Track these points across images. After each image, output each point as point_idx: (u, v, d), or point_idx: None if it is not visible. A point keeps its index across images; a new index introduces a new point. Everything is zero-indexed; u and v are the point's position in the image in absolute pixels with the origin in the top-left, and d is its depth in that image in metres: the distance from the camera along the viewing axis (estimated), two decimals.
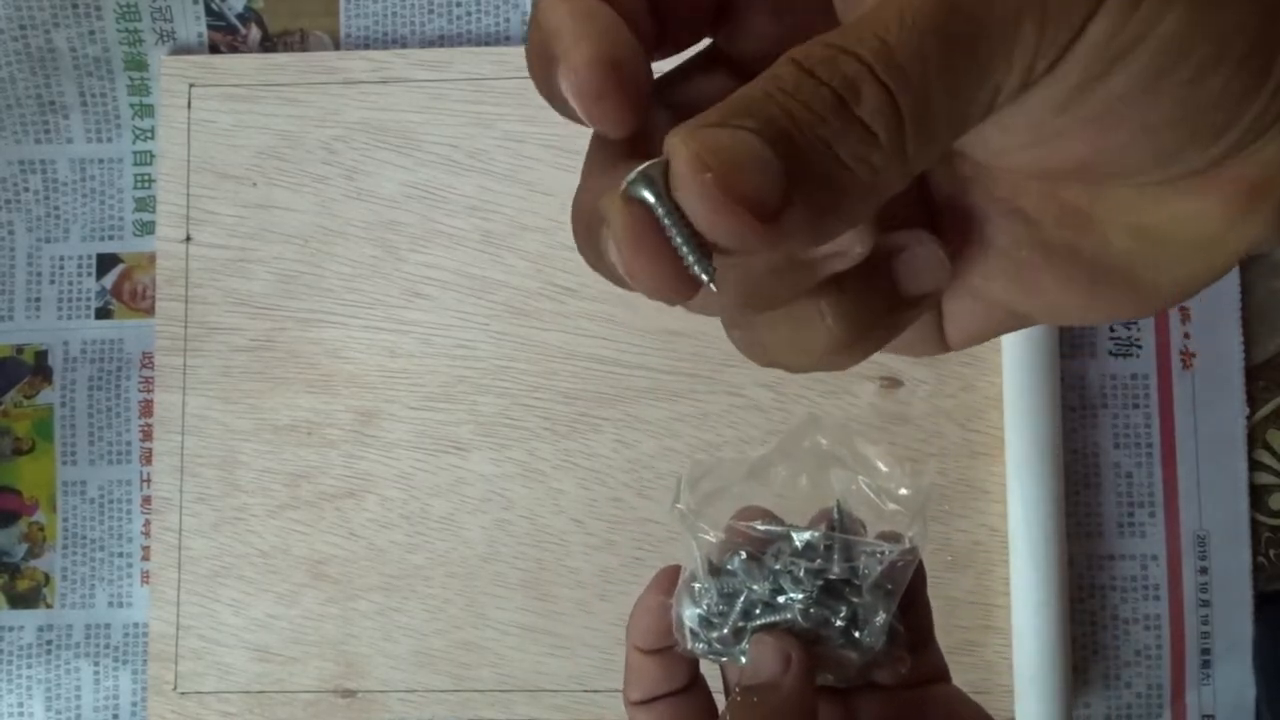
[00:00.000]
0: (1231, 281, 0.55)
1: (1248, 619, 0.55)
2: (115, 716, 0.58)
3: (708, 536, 0.31)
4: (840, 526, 0.31)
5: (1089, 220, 0.21)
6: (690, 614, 0.31)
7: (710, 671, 0.33)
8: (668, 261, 0.17)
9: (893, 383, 0.55)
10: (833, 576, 0.30)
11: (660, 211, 0.17)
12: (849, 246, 0.20)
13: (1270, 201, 0.19)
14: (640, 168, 0.17)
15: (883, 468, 0.32)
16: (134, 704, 0.58)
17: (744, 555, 0.31)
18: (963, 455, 0.55)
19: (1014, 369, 0.53)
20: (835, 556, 0.31)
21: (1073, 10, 0.17)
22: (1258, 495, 0.55)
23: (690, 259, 0.17)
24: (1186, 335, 0.55)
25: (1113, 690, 0.55)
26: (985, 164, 0.21)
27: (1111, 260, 0.21)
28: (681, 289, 0.18)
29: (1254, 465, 0.55)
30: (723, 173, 0.16)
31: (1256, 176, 0.19)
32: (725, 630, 0.31)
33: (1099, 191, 0.20)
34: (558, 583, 0.55)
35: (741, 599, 0.31)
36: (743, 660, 0.30)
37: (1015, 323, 0.23)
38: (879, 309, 0.21)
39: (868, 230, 0.20)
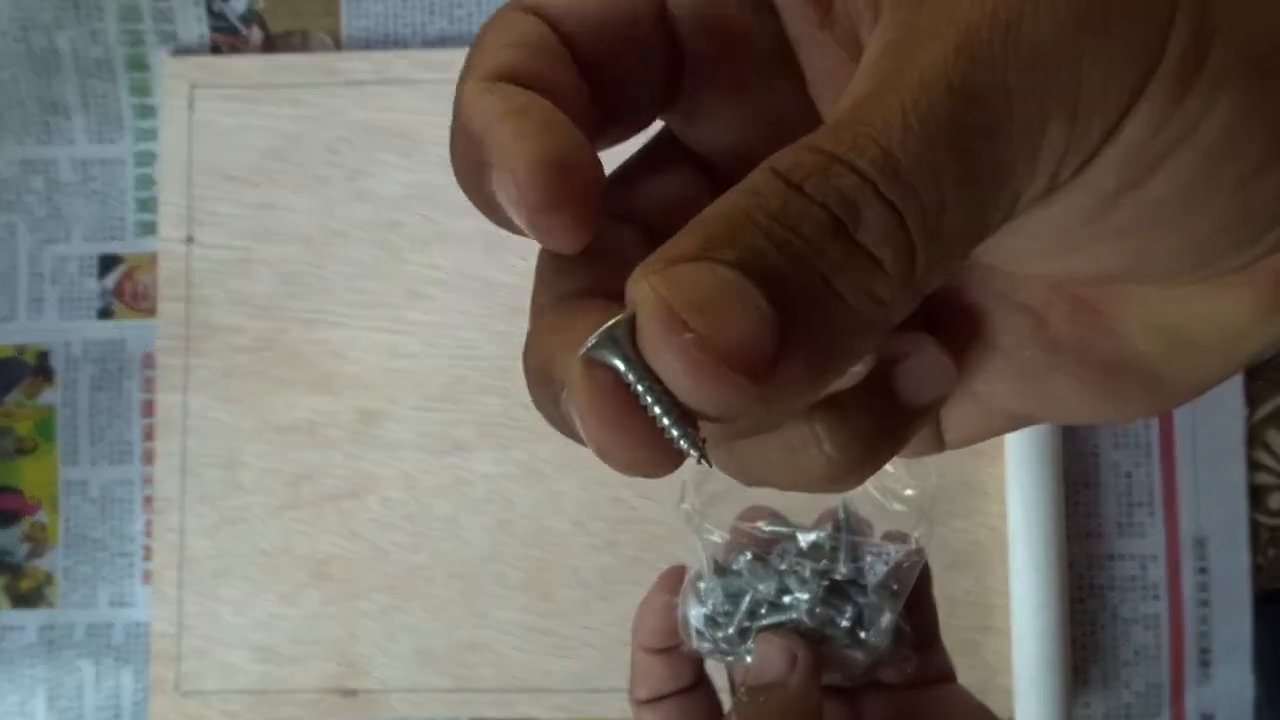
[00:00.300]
0: None
1: (1247, 619, 0.55)
2: (117, 716, 0.58)
3: (713, 537, 0.31)
4: (846, 527, 0.31)
5: (1103, 317, 0.18)
6: (696, 613, 0.31)
7: (716, 670, 0.34)
8: (644, 434, 0.14)
9: None
10: (838, 577, 0.31)
11: (631, 378, 0.14)
12: None
13: None
14: (604, 326, 0.14)
15: (888, 468, 0.32)
16: (135, 703, 0.58)
17: (749, 555, 0.31)
18: (963, 455, 0.55)
19: None
20: (841, 557, 0.31)
21: (1108, 105, 0.14)
22: (1257, 495, 0.55)
23: (672, 431, 0.14)
24: None
25: (1112, 690, 0.55)
26: (998, 269, 0.18)
27: (1127, 360, 0.18)
28: (662, 464, 0.15)
29: (1253, 465, 0.55)
30: (705, 330, 0.13)
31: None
32: (731, 630, 0.31)
33: (1117, 289, 0.18)
34: (559, 583, 0.56)
35: (747, 599, 0.31)
36: (748, 660, 0.31)
37: (1017, 423, 0.20)
38: (881, 427, 0.18)
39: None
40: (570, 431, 0.16)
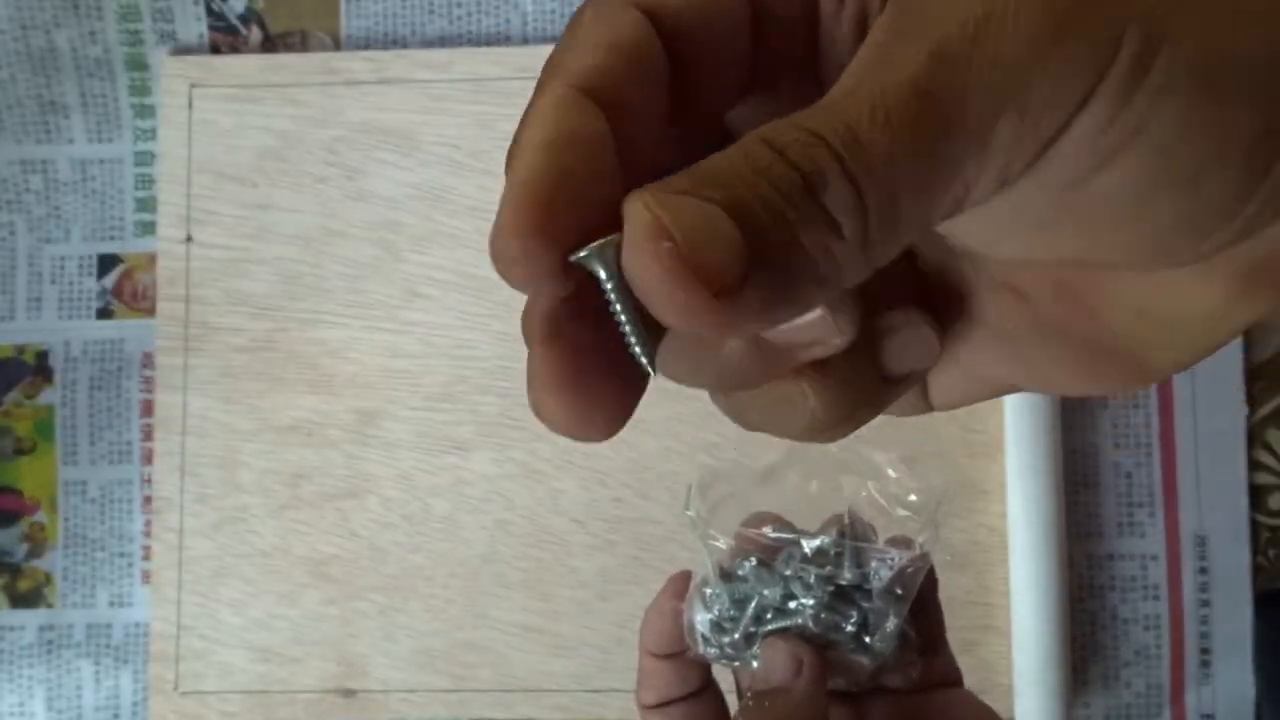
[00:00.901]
0: None
1: (1248, 619, 0.55)
2: (116, 716, 0.58)
3: (718, 543, 0.31)
4: (851, 532, 0.31)
5: (1085, 299, 0.20)
6: (702, 619, 0.31)
7: (722, 676, 0.34)
8: (579, 396, 0.17)
9: None
10: (843, 582, 0.31)
11: (609, 287, 0.16)
12: (827, 337, 0.18)
13: (1274, 279, 0.18)
14: (595, 243, 0.16)
15: (892, 474, 0.32)
16: (135, 704, 0.58)
17: (755, 561, 0.31)
18: (963, 455, 0.55)
19: None
20: (846, 562, 0.31)
21: (1057, 107, 0.16)
22: (1258, 495, 0.55)
23: (633, 340, 0.17)
24: None
25: (1112, 690, 0.55)
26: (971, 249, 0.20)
27: (1106, 339, 0.20)
28: (588, 427, 0.17)
29: (1254, 465, 0.55)
30: (683, 244, 0.15)
31: (1260, 257, 0.18)
32: (737, 635, 0.31)
33: (1095, 274, 0.20)
34: (558, 583, 0.56)
35: (753, 604, 0.31)
36: (754, 665, 0.31)
37: (1002, 390, 0.22)
38: (863, 390, 0.20)
39: (849, 320, 0.18)
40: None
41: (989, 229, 0.18)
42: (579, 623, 0.55)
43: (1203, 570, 0.55)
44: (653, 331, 0.17)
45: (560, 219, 0.16)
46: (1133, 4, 0.16)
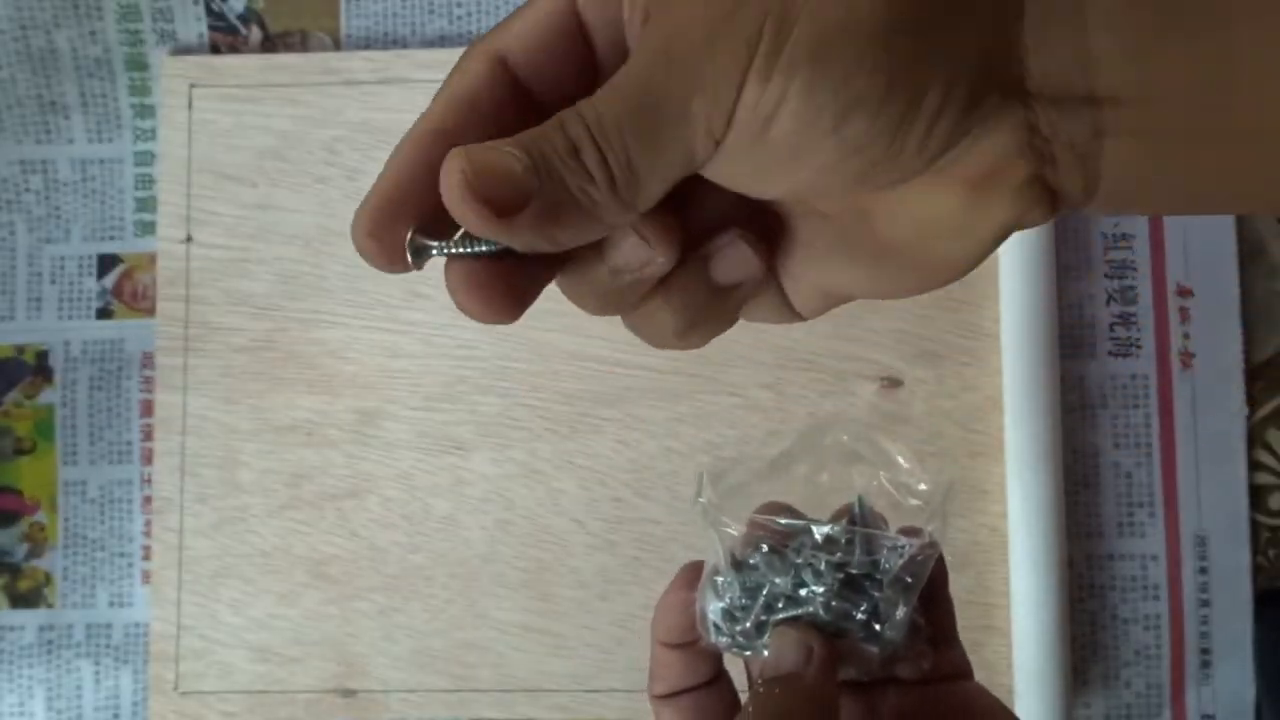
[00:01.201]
0: (1231, 282, 0.55)
1: (1248, 619, 0.55)
2: (116, 716, 0.58)
3: (730, 530, 0.31)
4: (861, 521, 0.31)
5: (869, 214, 0.25)
6: (714, 608, 0.31)
7: (734, 667, 0.34)
8: (483, 293, 0.24)
9: (893, 383, 0.55)
10: (854, 570, 0.31)
11: (456, 240, 0.24)
12: (649, 259, 0.25)
13: (1002, 189, 0.23)
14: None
15: (903, 464, 0.32)
16: (135, 704, 0.58)
17: (766, 549, 0.31)
18: (963, 455, 0.55)
19: (1014, 369, 0.53)
20: (856, 550, 0.31)
21: (724, 88, 0.22)
22: (1257, 495, 0.55)
23: (472, 246, 0.24)
24: (1186, 335, 0.56)
25: (1113, 690, 0.55)
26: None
27: (890, 245, 0.25)
28: (488, 306, 0.25)
29: (1254, 465, 0.55)
30: (471, 174, 0.22)
31: (980, 170, 0.23)
32: (748, 624, 0.31)
33: (870, 193, 0.25)
34: (558, 583, 0.56)
35: (764, 592, 0.31)
36: (765, 653, 0.31)
37: (845, 298, 0.27)
38: (703, 299, 0.26)
39: (667, 245, 0.24)
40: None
41: (736, 177, 0.24)
42: (579, 623, 0.55)
43: (1203, 570, 0.55)
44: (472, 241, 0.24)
45: (385, 222, 0.25)
46: (770, 1, 0.22)
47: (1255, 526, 0.55)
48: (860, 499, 0.32)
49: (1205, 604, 0.55)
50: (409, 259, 0.25)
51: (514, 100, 0.25)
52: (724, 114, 0.22)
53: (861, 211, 0.25)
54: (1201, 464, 0.55)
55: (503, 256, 0.24)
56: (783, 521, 0.31)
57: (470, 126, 0.25)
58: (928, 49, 0.22)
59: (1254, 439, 0.55)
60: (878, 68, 0.22)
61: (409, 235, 0.24)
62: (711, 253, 0.26)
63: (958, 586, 0.53)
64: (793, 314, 0.28)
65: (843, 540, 0.31)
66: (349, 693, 0.56)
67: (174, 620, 0.56)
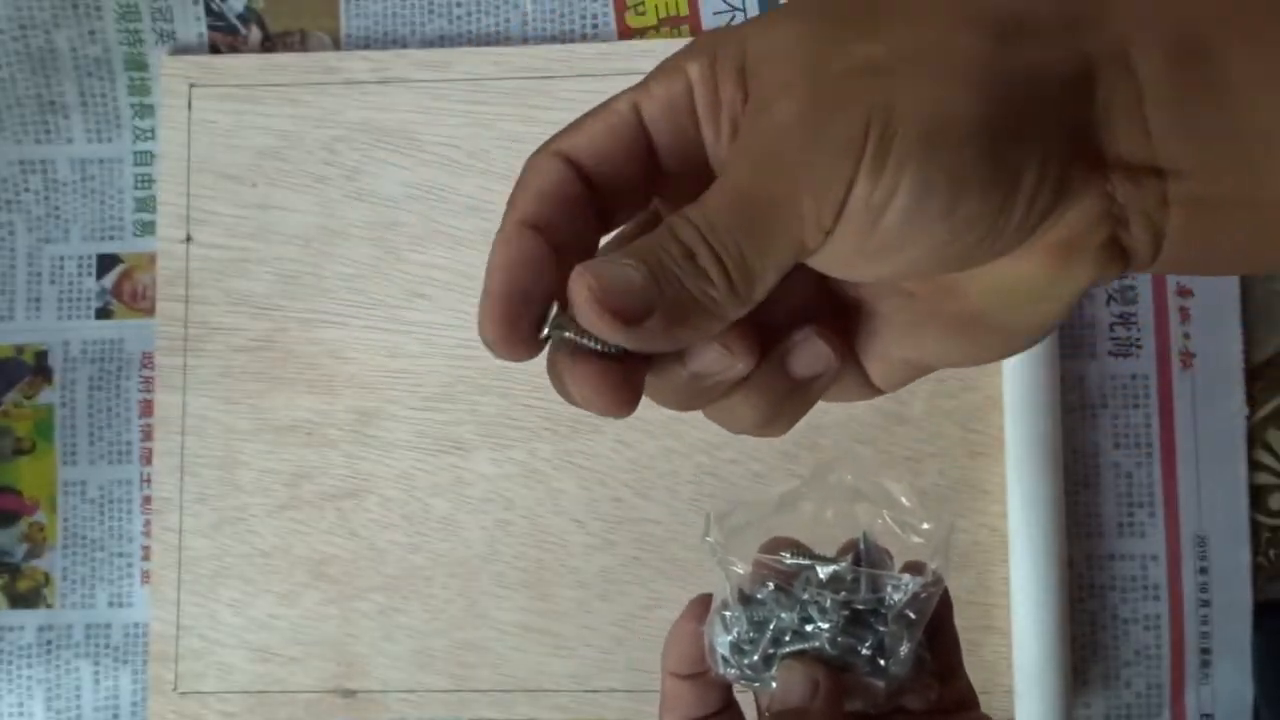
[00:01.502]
0: (1231, 282, 0.55)
1: (1247, 619, 0.55)
2: (115, 716, 0.58)
3: (736, 568, 0.32)
4: (866, 557, 0.32)
5: (955, 289, 0.27)
6: (722, 641, 0.32)
7: (745, 697, 0.34)
8: (600, 381, 0.25)
9: None
10: (859, 606, 0.32)
11: (575, 335, 0.25)
12: (729, 366, 0.26)
13: (1083, 255, 0.25)
14: (552, 315, 0.25)
15: (906, 503, 0.33)
16: (134, 704, 0.58)
17: (773, 585, 0.32)
18: (963, 455, 0.55)
19: (1014, 369, 0.53)
20: (861, 587, 0.32)
21: (835, 183, 0.23)
22: (1258, 495, 0.55)
23: (596, 345, 0.25)
24: (1186, 335, 0.56)
25: (1113, 690, 0.55)
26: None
27: (976, 315, 0.27)
28: (616, 403, 0.25)
29: (1254, 465, 0.55)
30: (598, 288, 0.24)
31: (1063, 239, 0.25)
32: (756, 656, 0.32)
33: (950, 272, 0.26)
34: (558, 583, 0.56)
35: (771, 627, 0.32)
36: (773, 686, 0.31)
37: (924, 370, 0.29)
38: (783, 393, 0.27)
39: (747, 352, 0.26)
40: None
41: (843, 263, 0.25)
42: (578, 623, 0.55)
43: (1203, 570, 0.55)
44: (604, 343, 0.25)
45: (514, 318, 0.26)
46: (873, 98, 0.23)
47: (1255, 526, 0.55)
48: (865, 535, 0.33)
49: (1205, 604, 0.55)
50: (540, 348, 0.27)
51: (588, 195, 0.27)
52: (834, 208, 0.24)
53: (946, 286, 0.27)
54: (1201, 464, 0.55)
55: (619, 355, 0.25)
56: (789, 560, 0.32)
57: (556, 218, 0.26)
58: (1022, 132, 0.23)
59: (1254, 439, 0.55)
60: (981, 155, 0.23)
61: (545, 331, 0.26)
62: (789, 349, 0.27)
63: (958, 586, 0.54)
64: (873, 390, 0.29)
65: (848, 578, 0.32)
66: (349, 693, 0.56)
67: (173, 620, 0.56)
